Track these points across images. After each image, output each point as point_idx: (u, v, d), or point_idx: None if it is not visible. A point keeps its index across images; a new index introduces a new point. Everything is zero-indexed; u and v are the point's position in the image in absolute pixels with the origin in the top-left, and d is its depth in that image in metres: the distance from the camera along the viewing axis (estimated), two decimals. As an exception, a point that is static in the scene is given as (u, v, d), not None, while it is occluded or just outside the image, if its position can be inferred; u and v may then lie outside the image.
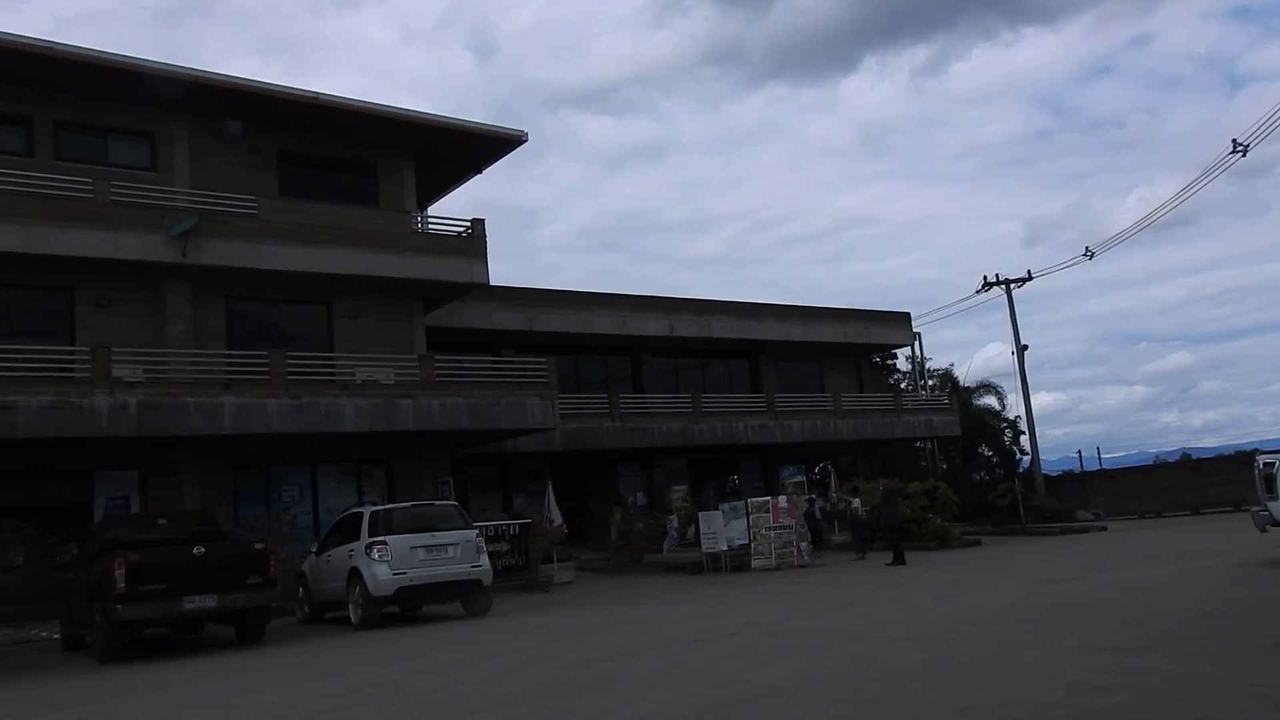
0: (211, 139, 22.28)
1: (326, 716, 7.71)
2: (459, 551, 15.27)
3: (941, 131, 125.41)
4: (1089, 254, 38.34)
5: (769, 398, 32.56)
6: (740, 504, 22.75)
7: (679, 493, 27.96)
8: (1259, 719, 5.44)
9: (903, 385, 45.70)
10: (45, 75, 20.06)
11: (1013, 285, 38.98)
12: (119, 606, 12.61)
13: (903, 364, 47.37)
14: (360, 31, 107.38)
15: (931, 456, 40.39)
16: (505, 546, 19.99)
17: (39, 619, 17.44)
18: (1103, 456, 51.45)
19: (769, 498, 22.99)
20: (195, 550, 13.36)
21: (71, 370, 18.08)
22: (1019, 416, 41.84)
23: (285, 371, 19.40)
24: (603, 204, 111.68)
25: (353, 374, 21.03)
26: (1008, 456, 43.60)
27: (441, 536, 15.25)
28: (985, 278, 39.34)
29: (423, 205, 26.88)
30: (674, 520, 24.88)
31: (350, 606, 15.16)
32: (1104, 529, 29.75)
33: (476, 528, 16.36)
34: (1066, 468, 47.65)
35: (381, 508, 16.23)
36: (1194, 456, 44.94)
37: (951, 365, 52.75)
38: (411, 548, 14.89)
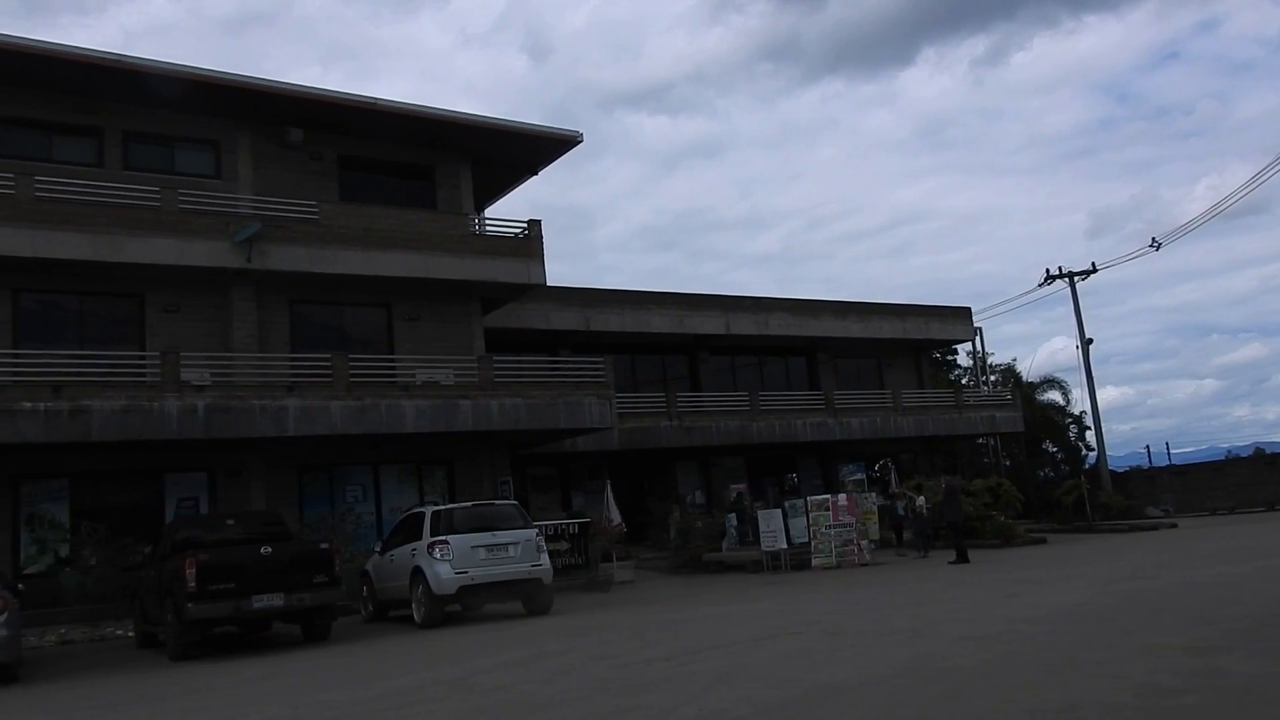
0: (274, 146, 22.72)
1: (392, 714, 7.82)
2: (519, 551, 15.38)
3: (1002, 123, 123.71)
4: (1156, 245, 37.54)
5: (827, 395, 32.34)
6: (799, 502, 22.63)
7: (737, 491, 27.87)
8: (1339, 721, 5.28)
9: (964, 381, 45.11)
10: (114, 87, 20.61)
11: (1076, 278, 38.29)
12: (190, 605, 12.91)
13: (963, 359, 46.81)
14: (418, 37, 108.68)
15: (994, 453, 39.80)
16: (565, 545, 20.09)
17: (114, 617, 17.89)
18: (1172, 452, 50.37)
19: (828, 496, 22.84)
20: (263, 550, 13.61)
21: (142, 375, 18.56)
22: (1084, 412, 41.14)
23: (347, 374, 19.71)
24: (659, 203, 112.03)
25: (413, 375, 21.30)
26: (1073, 453, 42.82)
27: (502, 536, 15.37)
28: (1048, 271, 38.73)
29: (480, 207, 27.14)
30: (733, 519, 24.81)
31: (413, 605, 15.34)
32: (1174, 526, 29.06)
33: (536, 527, 16.47)
34: (1134, 463, 46.65)
35: (443, 508, 16.41)
36: (1268, 451, 43.71)
37: (1014, 360, 51.87)
38: (473, 547, 15.03)
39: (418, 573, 15.13)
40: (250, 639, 15.28)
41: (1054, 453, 42.97)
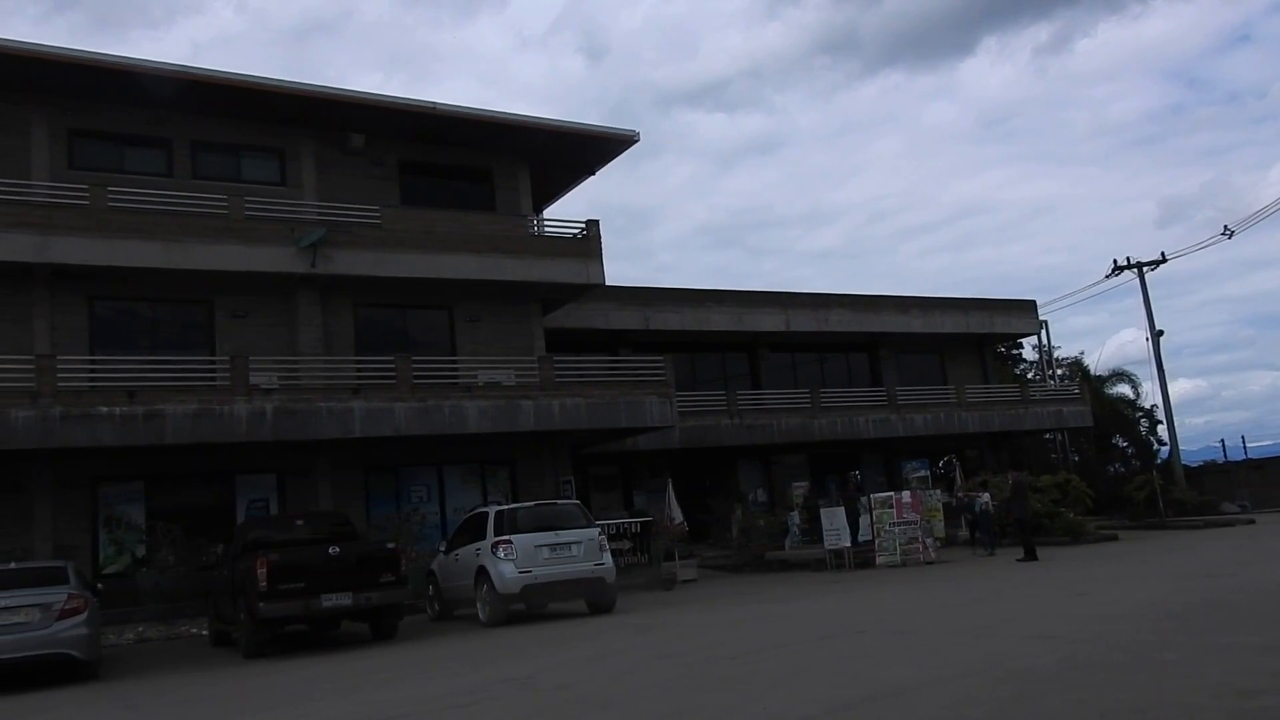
0: (336, 153, 23.10)
1: (458, 712, 7.90)
2: (582, 550, 15.44)
3: (1066, 112, 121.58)
4: (1228, 233, 36.50)
5: (890, 391, 32.00)
6: (863, 499, 22.41)
7: (799, 489, 27.70)
8: None
9: (1030, 375, 44.34)
10: (182, 98, 21.10)
11: (1146, 268, 37.40)
12: (261, 604, 13.17)
13: (1029, 353, 46.00)
14: (477, 42, 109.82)
15: (1062, 448, 39.07)
16: (627, 544, 20.15)
17: (189, 616, 18.34)
18: (1248, 446, 48.74)
19: (892, 493, 22.59)
20: (331, 550, 13.83)
21: (213, 379, 18.98)
22: (1155, 405, 40.19)
23: (411, 375, 19.96)
24: (718, 200, 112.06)
25: (475, 376, 21.50)
26: (1144, 447, 41.86)
27: (565, 535, 15.44)
28: (1115, 261, 37.87)
29: (538, 209, 27.31)
30: (795, 517, 24.66)
31: (478, 604, 15.48)
32: (1251, 522, 28.25)
33: (599, 526, 16.52)
34: (1208, 458, 45.47)
35: (506, 507, 16.54)
36: (1350, 444, 42.29)
37: (1081, 354, 50.96)
38: (536, 546, 15.12)
39: (482, 572, 15.27)
40: (320, 637, 15.54)
41: (1124, 448, 42.05)
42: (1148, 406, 41.61)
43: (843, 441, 30.96)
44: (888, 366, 34.54)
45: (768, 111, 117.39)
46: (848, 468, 33.48)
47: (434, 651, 12.74)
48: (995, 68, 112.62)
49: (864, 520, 21.78)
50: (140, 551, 19.59)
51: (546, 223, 25.49)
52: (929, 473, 32.28)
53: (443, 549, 17.44)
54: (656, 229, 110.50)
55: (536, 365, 21.88)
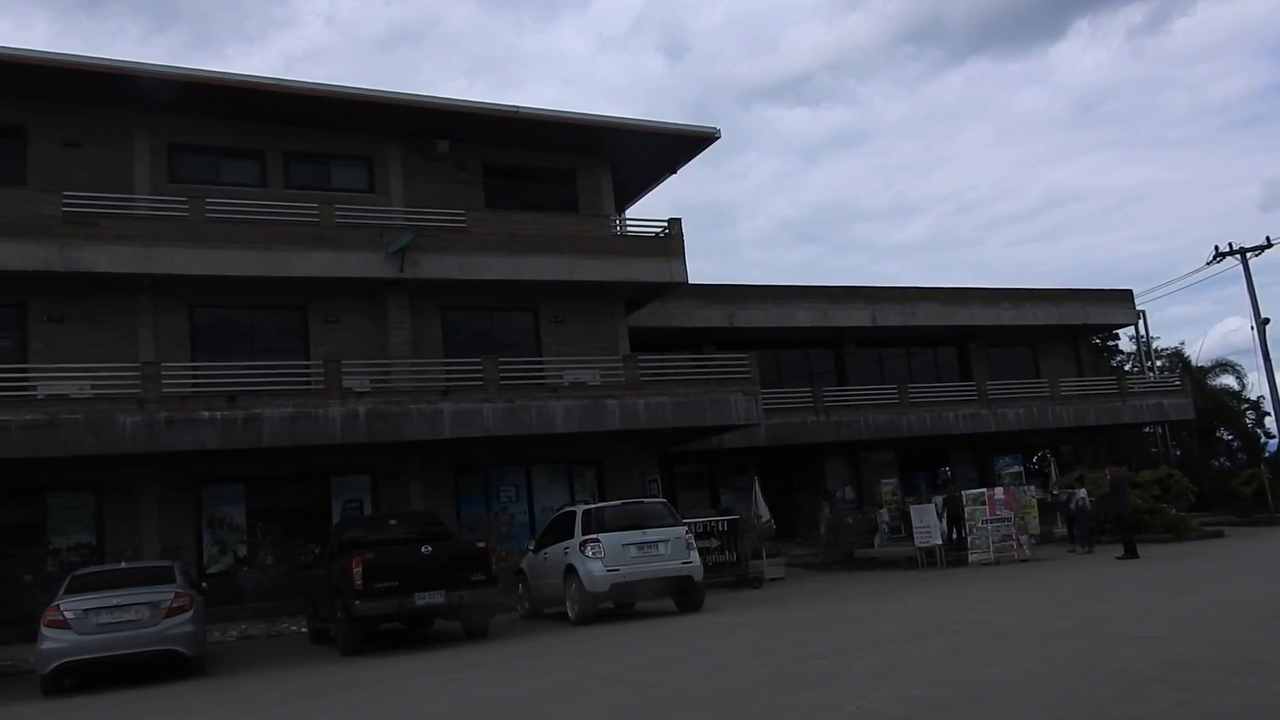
0: (422, 159, 23.53)
1: (550, 709, 7.99)
2: (669, 548, 15.46)
3: (1163, 94, 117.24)
4: (1338, 216, 34.89)
5: (980, 385, 31.38)
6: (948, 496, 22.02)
7: (888, 486, 27.35)
8: None
9: (1127, 367, 43.06)
10: (275, 110, 21.74)
11: (1249, 254, 35.98)
12: (357, 602, 13.47)
13: (1126, 344, 44.67)
14: (559, 44, 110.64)
15: (1162, 442, 37.83)
16: (715, 543, 20.10)
17: (289, 614, 18.87)
18: (1366, 437, 46.57)
19: (984, 489, 22.15)
20: (423, 549, 14.07)
21: (308, 383, 19.49)
22: (1262, 397, 38.68)
23: (498, 376, 20.22)
24: (802, 195, 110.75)
25: (560, 377, 21.70)
26: (1250, 440, 40.34)
27: (652, 534, 15.47)
28: (1217, 248, 36.47)
29: (620, 208, 27.43)
30: (884, 514, 24.35)
31: (567, 602, 15.60)
32: (1368, 517, 27.02)
33: (685, 524, 16.51)
34: (1320, 450, 43.54)
35: (593, 506, 16.63)
36: None
37: (1181, 344, 49.21)
38: (623, 545, 15.18)
39: (571, 570, 15.39)
40: (414, 635, 15.84)
41: (1229, 441, 40.58)
42: (1253, 398, 40.12)
43: (932, 437, 30.46)
44: (977, 360, 33.88)
45: (851, 104, 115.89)
46: (937, 464, 32.95)
47: (525, 649, 12.89)
48: (1087, 51, 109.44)
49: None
50: (242, 551, 20.22)
51: (629, 222, 25.60)
52: (1022, 468, 31.51)
53: (531, 548, 17.62)
54: (740, 226, 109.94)
55: (621, 365, 21.97)
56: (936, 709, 6.48)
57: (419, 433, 19.33)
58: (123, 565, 15.03)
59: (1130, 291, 36.53)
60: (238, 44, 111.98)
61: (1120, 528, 20.23)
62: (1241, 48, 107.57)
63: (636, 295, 24.72)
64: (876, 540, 24.01)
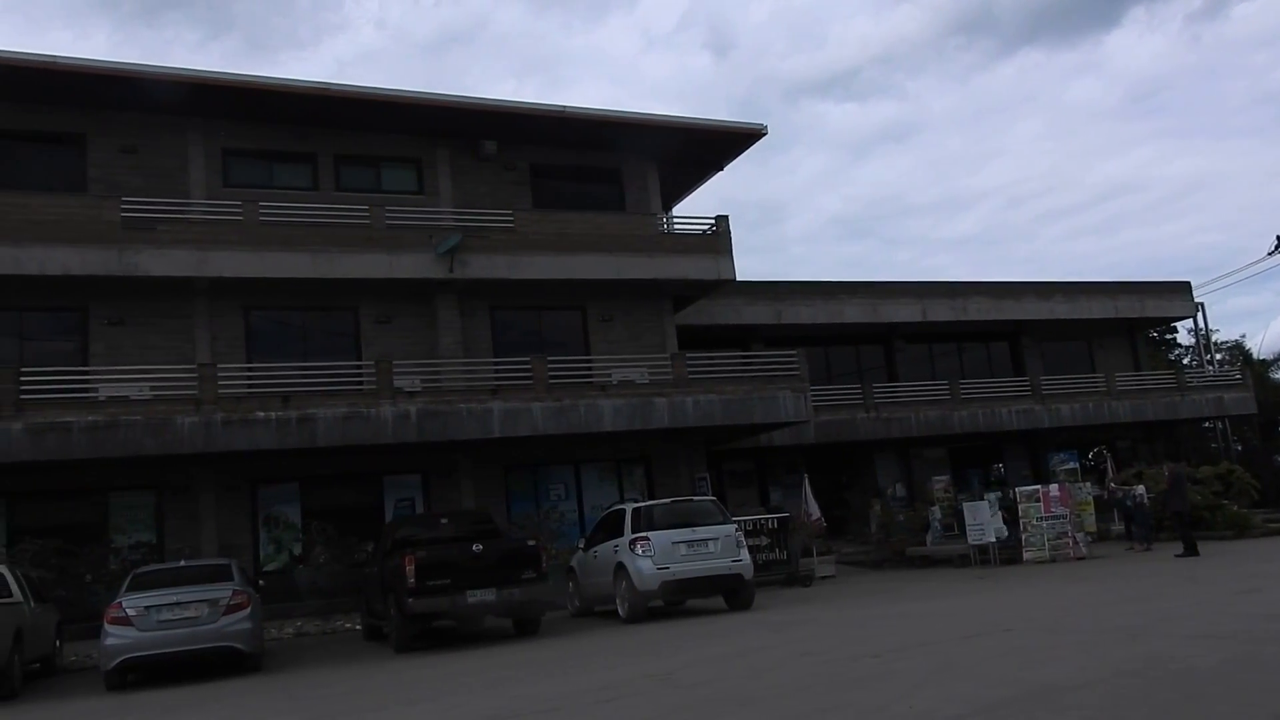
0: (470, 160, 23.71)
1: (601, 707, 8.01)
2: (719, 546, 15.43)
3: (1223, 82, 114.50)
4: (1406, 203, 33.91)
5: (1033, 381, 30.93)
6: (1005, 493, 21.74)
7: (940, 483, 27.05)
8: None
9: (1186, 361, 42.20)
10: (325, 114, 22.04)
11: (1313, 244, 35.05)
12: (410, 600, 13.61)
13: (1184, 338, 43.81)
14: (606, 44, 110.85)
15: (1223, 437, 37.03)
16: (764, 541, 20.04)
17: (343, 612, 19.14)
18: None
19: (1039, 486, 21.83)
20: (475, 547, 14.19)
21: (360, 383, 19.74)
22: (1328, 390, 37.67)
23: (547, 375, 20.33)
24: (850, 191, 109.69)
25: (609, 375, 21.75)
26: (1316, 434, 39.32)
27: (701, 531, 15.46)
28: (1278, 238, 35.66)
29: (667, 206, 27.43)
30: (936, 512, 24.10)
31: (617, 600, 15.64)
32: None
33: (735, 522, 16.48)
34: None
35: (643, 504, 16.63)
36: None
37: (1242, 336, 48.27)
38: (673, 543, 15.18)
39: (620, 569, 15.43)
40: (466, 633, 15.97)
41: (1293, 435, 39.60)
42: (1318, 391, 39.09)
43: (984, 434, 30.10)
44: (1031, 355, 33.40)
45: (900, 98, 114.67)
46: (990, 461, 32.54)
47: (576, 647, 12.95)
48: (1144, 39, 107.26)
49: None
50: (297, 550, 20.53)
51: (676, 220, 25.59)
52: (1078, 465, 31.01)
53: (581, 546, 17.68)
54: (788, 222, 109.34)
55: (669, 362, 21.98)
56: (992, 708, 6.39)
57: (469, 432, 19.49)
58: (182, 563, 15.32)
59: (1188, 284, 35.81)
60: (291, 50, 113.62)
61: (1180, 525, 19.83)
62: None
63: (684, 293, 24.71)
64: (929, 538, 23.77)
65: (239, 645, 13.02)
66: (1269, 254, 36.19)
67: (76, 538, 19.09)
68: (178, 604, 12.89)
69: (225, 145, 21.92)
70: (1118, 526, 24.19)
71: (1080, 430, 31.71)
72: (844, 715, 6.69)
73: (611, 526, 16.44)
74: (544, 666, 11.19)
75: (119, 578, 15.78)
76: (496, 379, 20.59)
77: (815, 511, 22.25)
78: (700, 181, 28.23)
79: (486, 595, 13.92)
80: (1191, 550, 18.56)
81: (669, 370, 21.75)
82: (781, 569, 20.15)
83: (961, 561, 21.53)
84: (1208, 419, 35.57)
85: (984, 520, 21.00)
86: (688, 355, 22.35)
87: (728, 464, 27.87)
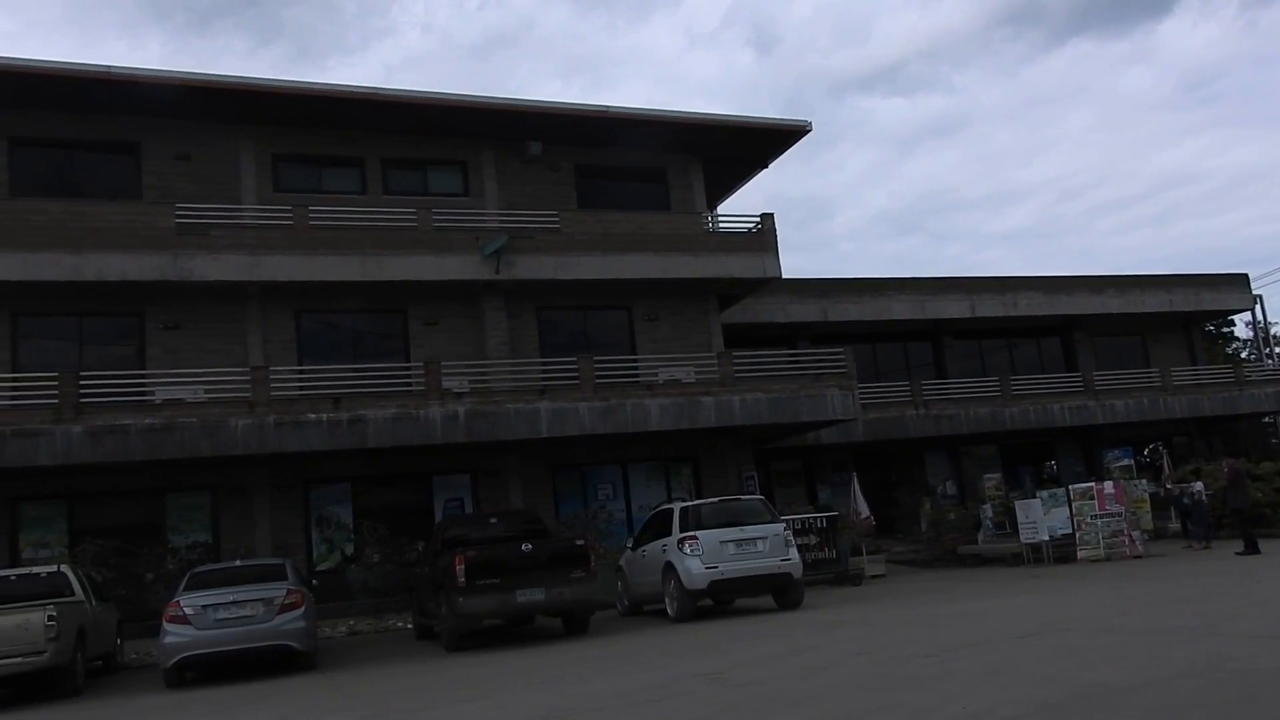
0: (515, 161, 23.86)
1: (655, 706, 8.01)
2: (768, 545, 15.38)
3: None
4: None
5: (1086, 376, 30.46)
6: (1060, 491, 21.43)
7: (991, 480, 26.73)
8: None
9: (1244, 355, 41.30)
10: (372, 118, 22.29)
11: (1376, 234, 34.17)
12: (460, 599, 13.72)
13: (1242, 331, 42.89)
14: (650, 44, 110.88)
15: (1284, 432, 36.21)
16: (813, 539, 19.94)
17: (395, 610, 19.34)
18: None
19: (1093, 483, 21.49)
20: (524, 547, 14.26)
21: (409, 384, 19.93)
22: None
23: (593, 375, 20.39)
24: (897, 186, 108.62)
25: (655, 374, 21.76)
26: (1381, 429, 38.28)
27: (750, 530, 15.41)
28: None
29: (712, 205, 27.39)
30: (988, 510, 23.82)
31: (666, 599, 15.64)
32: None
33: (784, 521, 16.41)
34: None
35: (691, 504, 16.62)
36: None
37: (1303, 329, 46.97)
38: (721, 542, 15.15)
39: (669, 568, 15.43)
40: (515, 632, 16.06)
41: (1357, 430, 38.58)
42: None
43: (1036, 430, 29.70)
44: (1083, 350, 32.88)
45: (947, 92, 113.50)
46: (1042, 458, 32.10)
47: (625, 646, 12.96)
48: (1197, 26, 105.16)
49: (1061, 512, 20.80)
50: (349, 549, 20.78)
51: (721, 218, 25.55)
52: (1133, 461, 30.51)
53: (630, 545, 17.71)
54: (835, 219, 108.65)
55: (716, 361, 21.95)
56: (1049, 709, 6.31)
57: (517, 432, 19.59)
58: (238, 563, 15.55)
59: (1246, 276, 35.04)
60: (339, 55, 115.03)
61: (1240, 522, 19.43)
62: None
63: (730, 291, 24.66)
64: (980, 536, 23.51)
65: (293, 643, 13.20)
66: (1330, 244, 35.32)
67: (135, 538, 19.49)
68: (234, 603, 13.09)
69: (275, 151, 22.25)
70: (1175, 524, 23.74)
71: (1135, 426, 31.16)
72: (897, 715, 6.64)
73: (659, 526, 16.44)
74: (594, 665, 11.22)
75: (176, 577, 16.07)
76: (543, 379, 20.69)
77: (864, 510, 22.11)
78: (745, 179, 28.16)
79: (536, 594, 13.99)
80: (1252, 548, 18.18)
81: (715, 369, 21.72)
82: (831, 568, 20.04)
83: (1014, 560, 21.27)
84: (1268, 414, 34.79)
85: (1037, 518, 20.72)
86: (734, 354, 22.30)
87: (775, 463, 27.76)
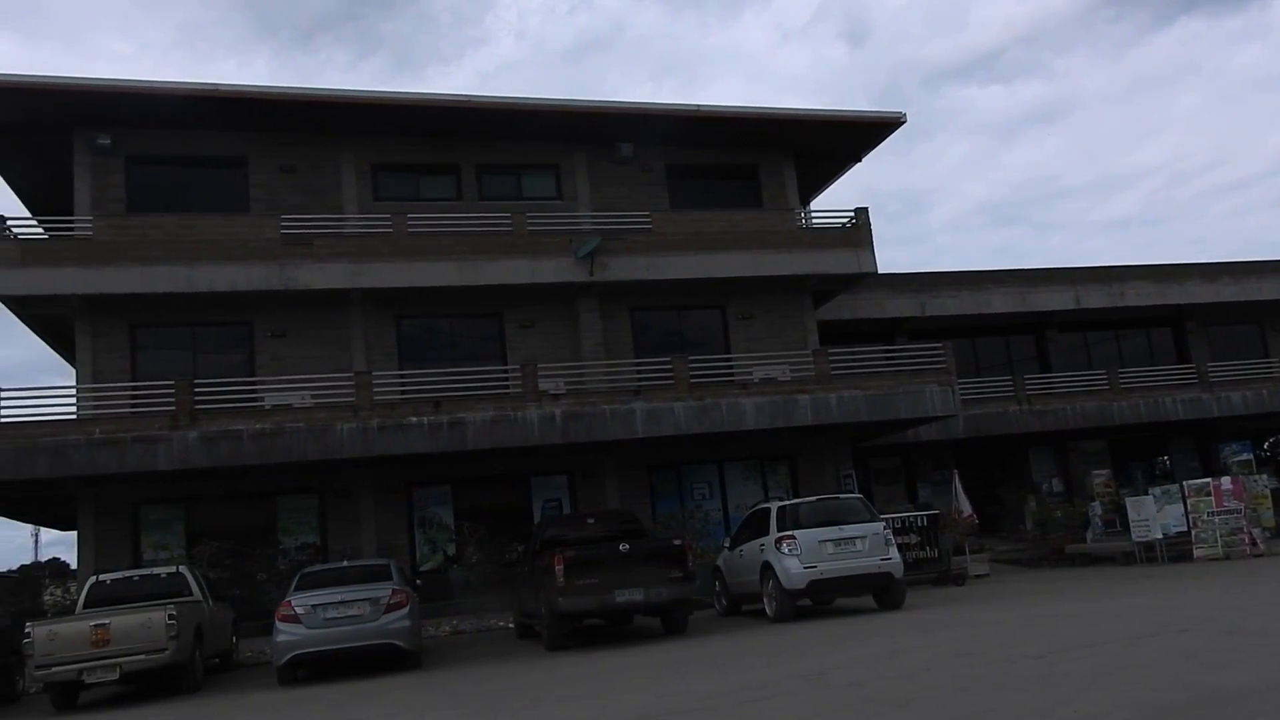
0: (606, 163, 24.02)
1: (756, 705, 7.98)
2: (867, 544, 15.19)
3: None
4: None
5: (1200, 367, 29.32)
6: (1174, 487, 20.68)
7: (1100, 477, 25.92)
8: None
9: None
10: (467, 126, 22.70)
11: None
12: (560, 599, 13.86)
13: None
14: (742, 41, 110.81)
15: None
16: (914, 538, 19.63)
17: (496, 610, 19.64)
18: None
19: (1209, 479, 20.69)
20: (622, 547, 14.34)
21: (506, 387, 20.24)
22: None
23: (688, 375, 20.40)
24: (997, 176, 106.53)
25: (750, 373, 21.67)
26: None
27: (848, 529, 15.24)
28: None
29: (804, 200, 27.15)
30: (1097, 507, 23.10)
31: (764, 599, 15.56)
32: None
33: (883, 520, 16.19)
34: None
35: (788, 503, 16.53)
36: None
37: None
38: (820, 541, 15.02)
39: (767, 568, 15.35)
40: (615, 632, 16.15)
41: None
42: None
43: (1146, 424, 28.69)
44: (1196, 341, 31.67)
45: (1047, 77, 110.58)
46: (1154, 453, 31.02)
47: (724, 646, 12.93)
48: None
49: (1175, 509, 20.08)
50: (451, 550, 21.20)
51: (814, 214, 25.34)
52: (1252, 456, 29.24)
53: (727, 545, 17.67)
54: (933, 211, 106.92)
55: (811, 359, 21.76)
56: (1164, 713, 6.09)
57: (612, 432, 19.73)
58: (345, 563, 15.96)
59: (1372, 259, 33.30)
60: (435, 65, 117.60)
61: (1370, 519, 18.50)
62: None
63: (824, 288, 24.43)
64: (1089, 535, 22.83)
65: (399, 642, 13.50)
66: None
67: (248, 539, 20.21)
68: (342, 602, 13.45)
69: (375, 161, 22.80)
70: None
71: (1253, 419, 29.88)
72: (1003, 718, 6.49)
73: (757, 525, 16.37)
74: (693, 665, 11.23)
75: (287, 577, 16.59)
76: (638, 379, 20.78)
77: (967, 508, 21.66)
78: (839, 174, 27.83)
79: (634, 594, 14.05)
80: (1384, 546, 17.29)
81: (811, 366, 21.54)
82: (933, 567, 19.69)
83: (1125, 559, 20.61)
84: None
85: (1150, 516, 20.04)
86: (830, 351, 22.08)
87: (873, 460, 27.40)
